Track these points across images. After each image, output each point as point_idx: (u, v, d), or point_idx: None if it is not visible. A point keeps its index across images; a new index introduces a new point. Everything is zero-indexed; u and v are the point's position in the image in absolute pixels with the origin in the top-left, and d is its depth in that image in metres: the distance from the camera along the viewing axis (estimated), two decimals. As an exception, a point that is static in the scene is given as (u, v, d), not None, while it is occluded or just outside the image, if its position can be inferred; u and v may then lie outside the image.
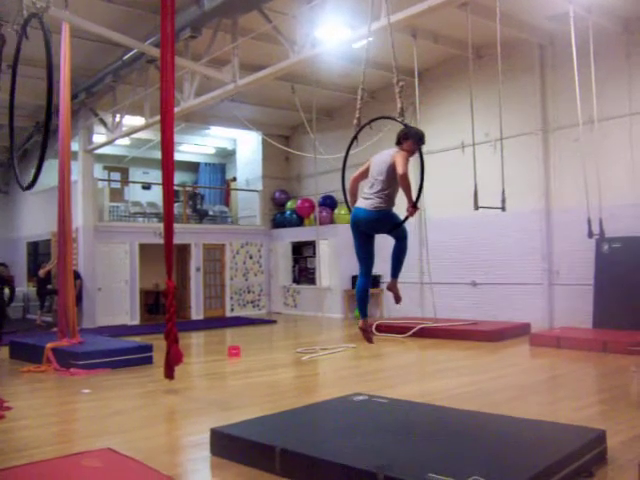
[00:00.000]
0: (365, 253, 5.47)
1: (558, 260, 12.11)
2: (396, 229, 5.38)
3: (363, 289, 5.53)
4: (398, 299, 5.75)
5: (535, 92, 12.40)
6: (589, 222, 10.19)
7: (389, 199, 5.24)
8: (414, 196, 5.08)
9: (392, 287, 5.72)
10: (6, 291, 8.85)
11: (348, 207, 5.70)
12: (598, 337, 9.71)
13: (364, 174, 5.53)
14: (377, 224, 5.28)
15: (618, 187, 11.06)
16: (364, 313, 5.61)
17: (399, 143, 5.39)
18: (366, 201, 5.26)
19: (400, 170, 4.98)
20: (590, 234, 10.26)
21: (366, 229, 5.35)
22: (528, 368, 8.75)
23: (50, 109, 5.00)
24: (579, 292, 11.57)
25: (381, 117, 6.09)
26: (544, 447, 4.22)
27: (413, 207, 5.08)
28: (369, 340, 5.73)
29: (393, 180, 5.20)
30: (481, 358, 9.50)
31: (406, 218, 5.24)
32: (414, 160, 5.28)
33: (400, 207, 5.34)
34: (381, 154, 5.41)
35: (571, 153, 11.56)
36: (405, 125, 5.43)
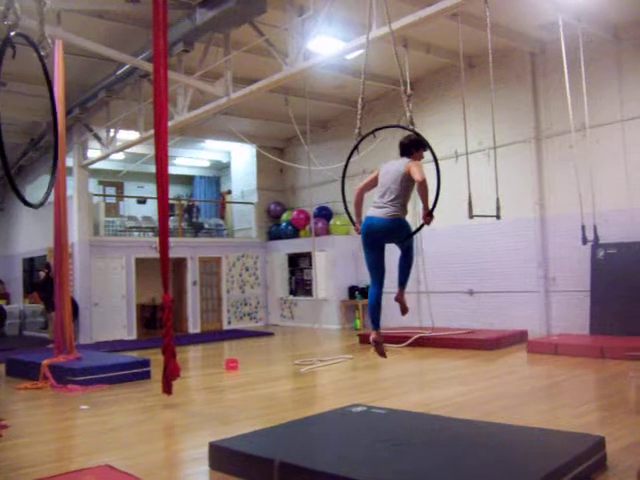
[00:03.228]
0: (377, 263, 5.39)
1: (554, 267, 12.14)
2: (407, 239, 5.36)
3: (376, 300, 5.41)
4: (405, 310, 5.69)
5: (527, 100, 12.48)
6: (583, 229, 10.22)
7: (403, 207, 5.23)
8: (430, 204, 5.06)
9: (400, 298, 5.66)
10: None
11: (350, 217, 5.64)
12: (596, 343, 9.72)
13: (371, 184, 5.49)
14: (392, 233, 5.23)
15: (612, 193, 11.11)
16: (377, 324, 5.46)
17: (408, 153, 5.37)
18: (379, 210, 5.21)
19: (420, 177, 4.97)
20: (584, 240, 10.28)
21: (381, 238, 5.29)
22: (526, 375, 8.74)
23: (56, 126, 4.96)
24: (576, 299, 11.60)
25: (390, 126, 6.10)
26: (543, 454, 4.22)
27: (429, 215, 5.07)
28: (382, 354, 5.58)
29: (406, 189, 5.20)
30: (479, 366, 9.49)
31: (421, 226, 5.22)
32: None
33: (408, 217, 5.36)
34: (391, 164, 5.40)
35: (564, 160, 11.62)
36: (417, 134, 5.44)
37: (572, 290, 11.73)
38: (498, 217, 9.17)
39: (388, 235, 5.27)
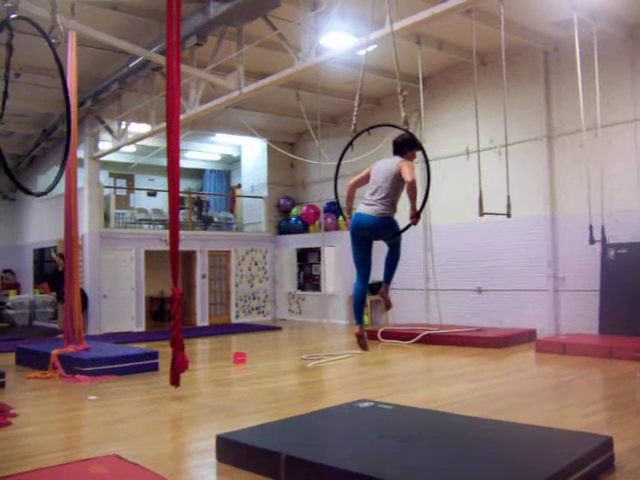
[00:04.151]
0: (364, 259, 5.50)
1: (563, 266, 12.08)
2: (394, 237, 5.42)
3: (360, 295, 5.56)
4: (389, 306, 5.90)
5: (539, 98, 12.41)
6: (590, 228, 10.18)
7: (392, 206, 5.29)
8: (418, 205, 5.11)
9: (384, 293, 5.81)
10: None
11: (342, 212, 5.75)
12: (604, 343, 9.67)
13: (363, 180, 5.58)
14: (380, 230, 5.31)
15: (623, 193, 11.05)
16: (360, 319, 5.64)
17: (401, 152, 5.41)
18: (369, 207, 5.28)
19: (409, 178, 5.02)
20: (591, 240, 10.23)
21: (368, 235, 5.38)
22: (534, 374, 8.72)
23: (69, 116, 4.97)
24: (585, 298, 11.54)
25: (385, 124, 6.12)
26: (550, 454, 4.21)
27: (416, 216, 5.11)
28: (364, 347, 5.74)
29: (397, 188, 5.25)
30: (487, 364, 9.48)
31: (408, 226, 5.27)
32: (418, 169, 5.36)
33: (399, 215, 5.38)
34: (384, 162, 5.45)
35: (576, 159, 11.56)
36: (411, 134, 5.47)
37: (581, 290, 11.67)
38: (508, 215, 9.16)
39: (376, 232, 5.35)
